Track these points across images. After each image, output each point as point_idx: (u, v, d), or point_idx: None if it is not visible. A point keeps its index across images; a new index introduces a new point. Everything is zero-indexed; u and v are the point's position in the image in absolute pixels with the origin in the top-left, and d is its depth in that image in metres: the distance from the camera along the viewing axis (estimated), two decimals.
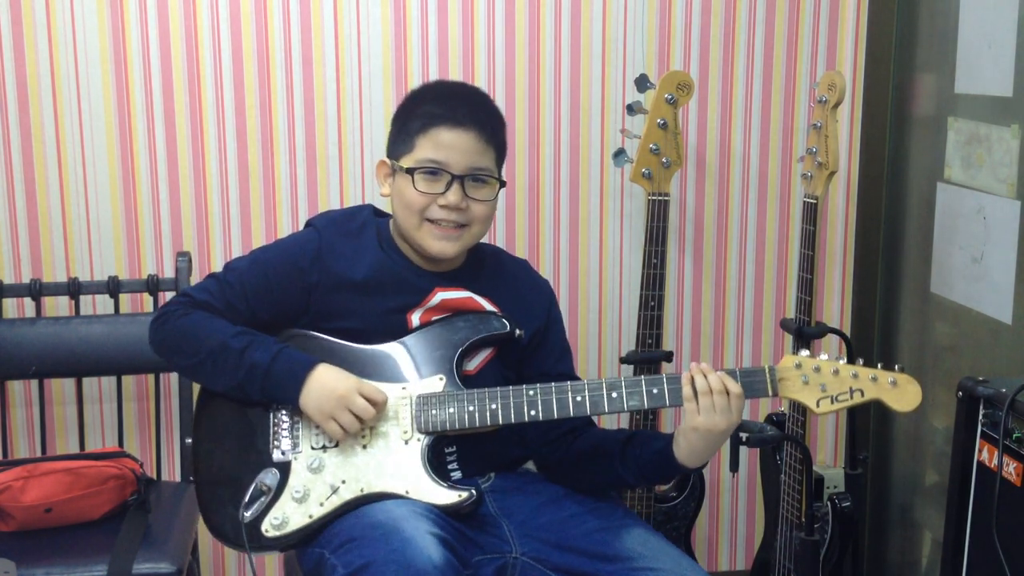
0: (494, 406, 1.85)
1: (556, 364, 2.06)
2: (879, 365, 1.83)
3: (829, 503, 2.54)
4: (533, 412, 1.84)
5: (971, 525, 2.02)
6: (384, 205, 2.07)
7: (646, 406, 1.84)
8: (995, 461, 1.93)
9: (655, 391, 1.83)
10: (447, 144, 1.92)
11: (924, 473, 2.68)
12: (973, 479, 2.01)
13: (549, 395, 1.85)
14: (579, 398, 1.84)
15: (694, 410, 1.79)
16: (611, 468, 1.93)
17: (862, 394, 1.81)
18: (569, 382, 1.86)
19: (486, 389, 1.87)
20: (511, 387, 1.86)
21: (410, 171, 1.93)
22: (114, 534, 2.16)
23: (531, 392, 1.85)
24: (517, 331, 1.96)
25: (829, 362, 1.82)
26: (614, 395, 1.84)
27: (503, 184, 2.00)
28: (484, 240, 2.07)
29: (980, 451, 1.98)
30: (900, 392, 1.81)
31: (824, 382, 1.81)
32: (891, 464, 2.82)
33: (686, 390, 1.80)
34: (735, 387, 1.79)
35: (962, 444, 2.02)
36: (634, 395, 1.84)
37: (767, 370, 1.83)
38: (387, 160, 2.01)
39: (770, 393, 1.82)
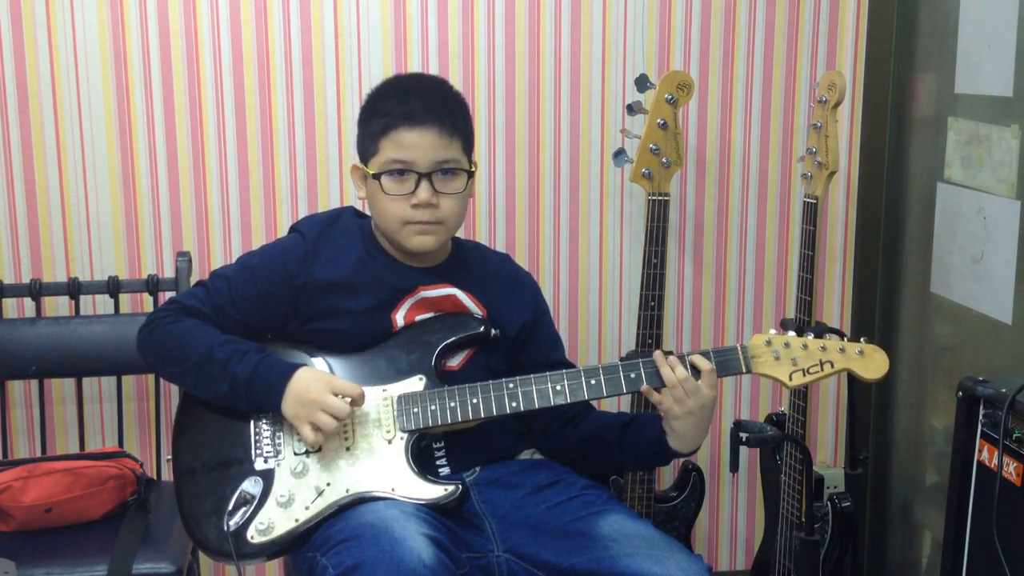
0: (475, 400, 1.87)
1: (550, 354, 2.10)
2: (845, 338, 1.88)
3: (829, 503, 2.54)
4: (514, 404, 1.87)
5: (971, 525, 2.02)
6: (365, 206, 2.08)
7: (625, 391, 1.87)
8: (995, 461, 1.93)
9: (632, 375, 1.86)
10: (409, 144, 1.93)
11: (924, 473, 2.68)
12: (973, 479, 2.01)
13: (529, 386, 1.87)
14: (558, 387, 1.87)
15: (670, 403, 1.85)
16: (610, 455, 1.99)
17: (832, 365, 1.86)
18: (548, 372, 1.88)
19: (467, 385, 1.89)
20: (491, 381, 1.88)
21: (377, 176, 1.95)
22: (114, 534, 2.16)
23: (511, 384, 1.88)
24: (493, 331, 1.99)
25: (798, 338, 1.87)
26: (592, 382, 1.87)
27: (472, 174, 2.01)
28: (479, 239, 2.08)
29: (980, 451, 1.98)
30: (867, 360, 1.86)
31: (795, 356, 1.86)
32: (891, 464, 2.82)
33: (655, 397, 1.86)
34: (706, 364, 1.84)
35: (962, 444, 2.02)
36: (612, 381, 1.86)
37: (739, 349, 1.87)
38: (359, 164, 2.02)
39: (743, 370, 1.86)
